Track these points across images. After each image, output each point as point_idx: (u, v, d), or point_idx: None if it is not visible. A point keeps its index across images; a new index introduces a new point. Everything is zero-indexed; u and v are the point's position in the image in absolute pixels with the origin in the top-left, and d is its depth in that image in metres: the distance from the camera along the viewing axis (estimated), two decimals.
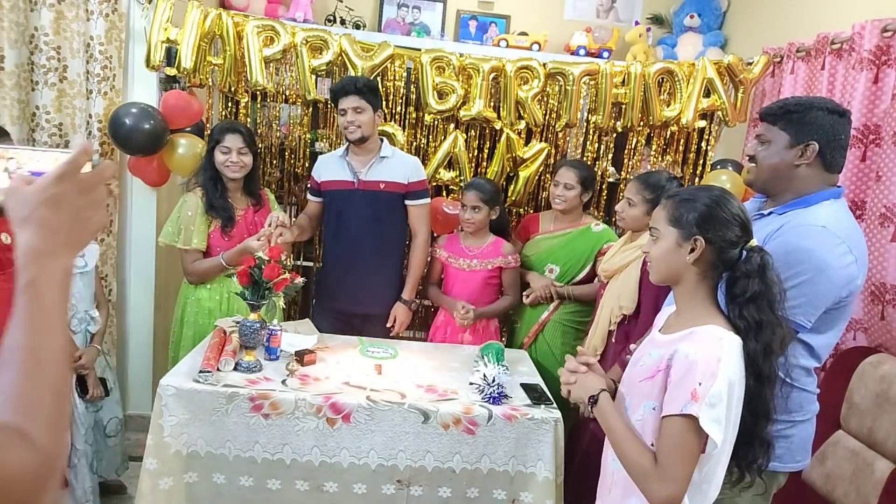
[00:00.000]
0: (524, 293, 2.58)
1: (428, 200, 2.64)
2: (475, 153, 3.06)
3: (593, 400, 1.35)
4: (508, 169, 3.01)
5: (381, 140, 2.60)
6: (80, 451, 2.20)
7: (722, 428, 1.16)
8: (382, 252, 2.59)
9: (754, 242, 1.28)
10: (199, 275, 2.39)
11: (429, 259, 2.73)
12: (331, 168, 2.58)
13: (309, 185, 2.70)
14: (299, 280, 2.10)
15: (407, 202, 2.58)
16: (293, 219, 2.78)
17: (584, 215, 2.64)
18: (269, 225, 2.27)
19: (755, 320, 1.24)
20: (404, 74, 2.92)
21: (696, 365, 1.17)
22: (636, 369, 1.35)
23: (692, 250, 1.28)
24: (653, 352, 1.32)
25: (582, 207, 2.62)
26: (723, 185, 2.81)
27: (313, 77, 2.80)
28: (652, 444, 1.24)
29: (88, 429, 2.26)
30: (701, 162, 3.10)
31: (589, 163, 3.00)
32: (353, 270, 2.56)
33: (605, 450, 1.43)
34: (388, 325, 2.59)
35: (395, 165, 2.55)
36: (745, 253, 1.27)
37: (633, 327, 2.08)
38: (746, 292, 1.24)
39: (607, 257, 2.28)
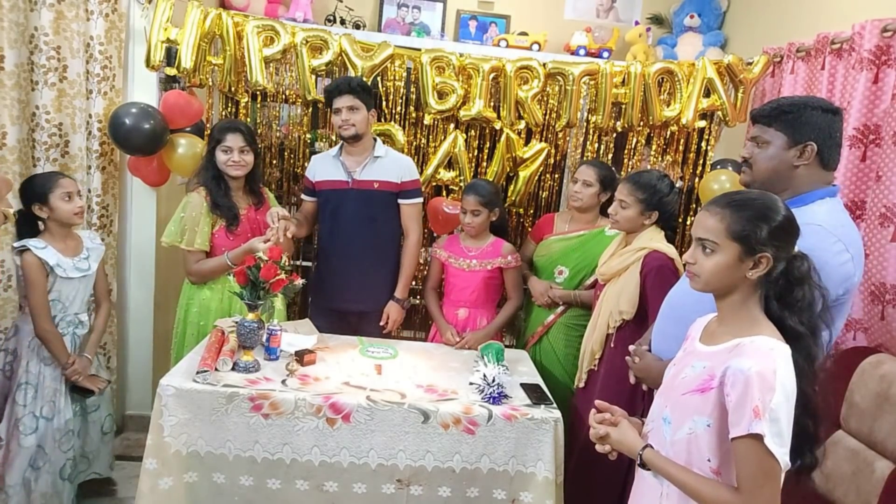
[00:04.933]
0: (532, 298, 2.59)
1: (420, 200, 2.66)
2: (475, 153, 3.06)
3: (640, 460, 1.32)
4: (508, 169, 3.01)
5: (375, 140, 2.61)
6: (50, 457, 2.15)
7: (784, 441, 1.14)
8: (377, 250, 2.60)
9: (796, 248, 1.26)
10: (202, 275, 2.39)
11: (429, 260, 2.74)
12: (325, 168, 2.59)
13: (304, 185, 2.70)
14: (299, 281, 2.10)
15: (399, 201, 2.60)
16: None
17: (600, 218, 2.58)
18: (272, 221, 2.28)
19: (814, 326, 1.22)
20: (404, 74, 2.92)
21: (753, 380, 1.13)
22: (677, 381, 1.31)
23: (754, 265, 1.23)
24: (696, 364, 1.28)
25: (599, 210, 2.58)
26: (722, 185, 2.82)
27: (313, 77, 2.80)
28: (709, 460, 1.22)
29: (67, 434, 2.19)
30: (701, 162, 3.10)
31: None
32: (349, 269, 2.57)
33: (637, 467, 1.38)
34: (381, 323, 2.59)
35: (389, 165, 2.56)
36: (789, 259, 1.24)
37: (633, 332, 2.07)
38: (803, 299, 1.23)
39: (603, 259, 2.27)
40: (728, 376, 1.17)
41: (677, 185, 3.10)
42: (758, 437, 1.12)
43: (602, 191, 2.50)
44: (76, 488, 2.34)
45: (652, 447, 1.32)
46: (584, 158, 3.09)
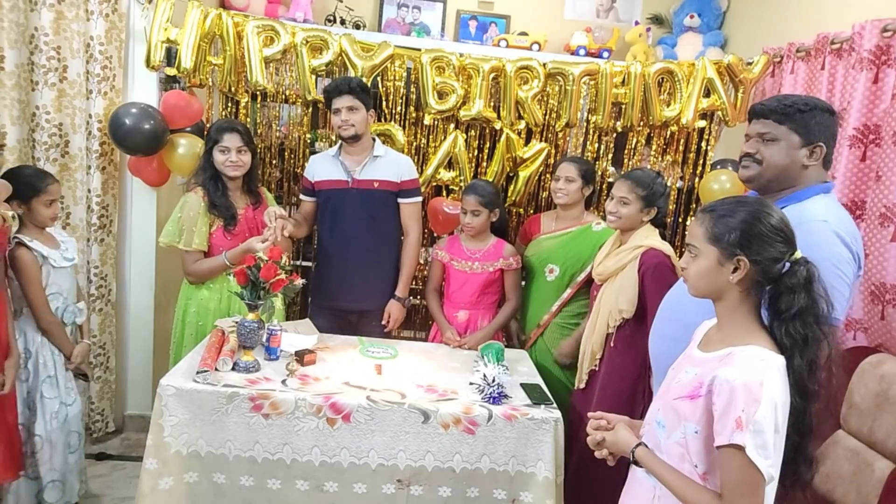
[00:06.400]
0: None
1: (419, 199, 2.67)
2: (475, 153, 3.06)
3: (633, 458, 1.35)
4: (508, 169, 3.01)
5: (374, 139, 2.61)
6: (80, 436, 2.28)
7: (769, 453, 1.13)
8: (378, 249, 2.61)
9: (799, 254, 1.23)
10: (200, 275, 2.39)
11: (430, 261, 2.74)
12: (324, 168, 2.59)
13: (302, 185, 2.70)
14: (299, 281, 2.10)
15: (399, 200, 2.60)
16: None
17: (585, 213, 2.63)
18: (270, 221, 2.28)
19: (801, 337, 1.19)
20: (404, 74, 2.92)
21: (738, 391, 1.13)
22: (672, 385, 1.32)
23: (735, 269, 1.23)
24: (690, 370, 1.29)
25: (584, 204, 2.63)
26: (722, 185, 2.82)
27: (313, 77, 2.80)
28: (696, 466, 1.22)
29: (79, 413, 2.30)
30: (701, 162, 3.10)
31: None
32: (349, 268, 2.57)
33: (632, 466, 1.40)
34: (383, 322, 2.60)
35: (388, 164, 2.57)
36: (788, 265, 1.22)
37: (633, 330, 2.07)
38: (792, 308, 1.20)
39: (599, 259, 2.27)
40: (715, 385, 1.18)
41: (676, 185, 3.12)
42: (739, 448, 1.12)
43: (584, 185, 2.54)
44: None
45: (646, 445, 1.34)
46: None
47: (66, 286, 2.21)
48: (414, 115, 3.03)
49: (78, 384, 2.33)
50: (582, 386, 2.26)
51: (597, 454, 1.45)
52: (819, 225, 1.45)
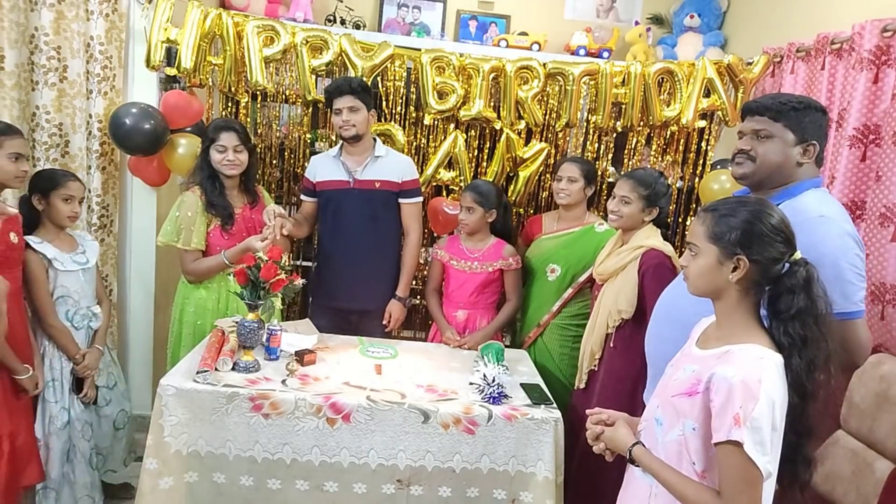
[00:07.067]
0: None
1: (420, 199, 2.68)
2: (475, 153, 3.06)
3: (630, 456, 1.35)
4: (508, 169, 3.01)
5: (375, 140, 2.61)
6: (78, 448, 2.20)
7: (767, 450, 1.14)
8: (379, 249, 2.61)
9: (798, 255, 1.24)
10: (199, 274, 2.39)
11: (430, 260, 2.74)
12: (326, 168, 2.59)
13: (303, 186, 2.70)
14: (299, 281, 2.10)
15: (400, 200, 2.61)
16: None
17: (587, 214, 2.64)
18: (269, 219, 2.28)
19: (800, 337, 1.20)
20: (404, 74, 2.92)
21: (736, 388, 1.13)
22: (670, 382, 1.32)
23: (734, 269, 1.24)
24: (688, 367, 1.29)
25: (586, 205, 2.63)
26: (722, 185, 2.82)
27: (313, 77, 2.80)
28: (694, 464, 1.23)
29: (86, 424, 2.25)
30: (701, 162, 3.10)
31: None
32: (351, 268, 2.57)
33: (629, 465, 1.41)
34: (384, 321, 2.60)
35: (389, 164, 2.57)
36: (788, 266, 1.23)
37: (633, 331, 2.07)
38: (791, 308, 1.21)
39: (600, 259, 2.27)
40: (713, 382, 1.18)
41: (676, 185, 3.12)
42: (738, 444, 1.13)
43: (587, 185, 2.55)
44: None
45: (643, 444, 1.34)
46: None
47: (75, 289, 2.18)
48: (414, 115, 3.03)
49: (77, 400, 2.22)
50: (582, 386, 2.26)
51: (595, 449, 1.46)
52: (819, 222, 1.46)
